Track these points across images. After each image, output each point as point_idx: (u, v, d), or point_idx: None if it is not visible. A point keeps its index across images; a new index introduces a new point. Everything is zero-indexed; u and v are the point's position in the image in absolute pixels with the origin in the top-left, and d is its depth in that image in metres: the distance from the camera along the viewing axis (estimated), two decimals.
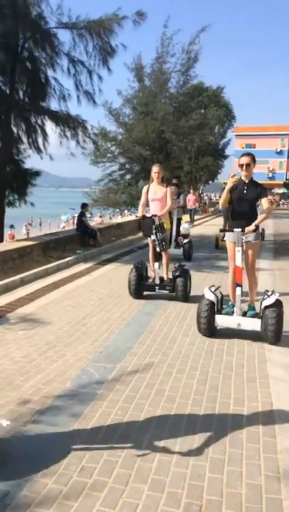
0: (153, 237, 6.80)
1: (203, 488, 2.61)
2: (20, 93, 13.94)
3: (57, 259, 9.98)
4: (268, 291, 5.21)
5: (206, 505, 2.47)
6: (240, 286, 5.12)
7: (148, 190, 7.17)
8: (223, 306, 5.51)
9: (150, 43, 20.54)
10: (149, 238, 7.04)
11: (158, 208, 6.99)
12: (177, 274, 6.84)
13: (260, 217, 5.30)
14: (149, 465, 2.81)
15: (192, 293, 6.96)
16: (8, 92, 13.22)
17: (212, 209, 34.08)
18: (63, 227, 37.39)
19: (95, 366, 4.33)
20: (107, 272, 9.45)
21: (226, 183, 11.89)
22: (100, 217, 36.47)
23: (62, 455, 2.90)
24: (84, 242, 12.42)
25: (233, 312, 5.22)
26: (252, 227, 5.06)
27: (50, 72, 13.78)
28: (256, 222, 5.15)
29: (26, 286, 7.69)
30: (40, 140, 14.36)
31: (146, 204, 7.22)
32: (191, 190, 23.79)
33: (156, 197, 7.10)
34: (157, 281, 7.03)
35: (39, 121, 14.31)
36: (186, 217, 21.34)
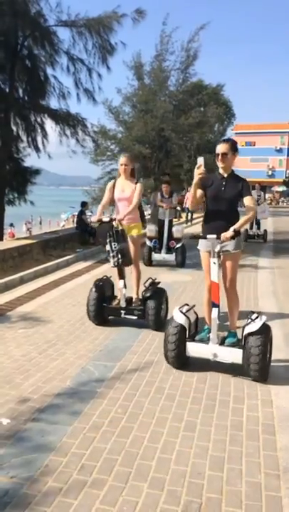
0: (107, 247, 5.30)
1: (203, 486, 2.61)
2: (20, 91, 13.96)
3: (57, 257, 9.98)
4: (252, 314, 4.21)
5: (205, 503, 2.47)
6: (217, 306, 4.10)
7: (114, 187, 5.73)
8: (203, 329, 4.62)
9: (149, 41, 20.50)
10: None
11: (127, 210, 5.52)
12: (148, 294, 5.38)
13: (240, 220, 4.20)
14: (148, 463, 2.81)
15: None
16: (7, 90, 13.22)
17: None
18: (63, 226, 37.35)
19: (95, 364, 4.33)
20: (107, 270, 9.43)
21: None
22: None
23: (62, 453, 2.90)
24: (84, 240, 12.43)
25: (208, 339, 4.22)
26: (230, 232, 3.95)
27: (49, 70, 13.82)
28: (235, 226, 4.02)
29: (26, 284, 7.69)
30: (39, 138, 14.40)
31: (113, 203, 5.89)
32: (190, 188, 23.47)
33: (123, 196, 5.65)
34: (123, 304, 5.48)
35: (39, 120, 14.34)
36: (183, 218, 21.35)
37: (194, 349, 4.21)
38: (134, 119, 23.30)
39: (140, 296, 5.58)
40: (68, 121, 14.22)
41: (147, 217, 9.45)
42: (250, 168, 55.85)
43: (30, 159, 14.73)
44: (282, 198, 58.12)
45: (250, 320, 4.09)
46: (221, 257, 4.31)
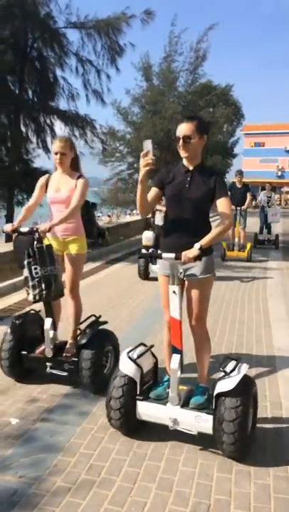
0: (25, 272, 3.66)
1: (211, 487, 2.60)
2: (30, 93, 14.01)
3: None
4: (228, 360, 3.04)
5: (214, 504, 2.46)
6: (179, 353, 2.99)
7: (46, 184, 4.10)
8: (162, 380, 3.31)
9: (158, 42, 20.52)
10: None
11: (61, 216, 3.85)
12: (83, 341, 3.76)
13: (211, 232, 2.99)
14: (157, 464, 2.81)
15: None
16: (17, 91, 13.29)
17: None
18: None
19: None
20: (116, 271, 9.46)
21: (234, 182, 11.39)
22: (109, 216, 36.54)
23: (71, 453, 2.91)
24: (92, 241, 12.45)
25: (167, 396, 3.03)
26: (193, 251, 2.79)
27: (58, 72, 13.85)
28: (202, 241, 2.86)
29: None
30: (49, 140, 14.41)
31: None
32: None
33: (58, 196, 4.00)
34: (49, 353, 3.81)
35: (48, 121, 14.37)
36: None
37: (147, 411, 3.04)
38: (142, 120, 23.34)
39: (80, 341, 3.81)
40: (77, 122, 14.26)
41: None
42: (259, 169, 55.64)
43: (39, 160, 14.77)
44: None
45: (223, 373, 2.92)
46: (186, 283, 3.15)
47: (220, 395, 2.84)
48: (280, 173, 63.17)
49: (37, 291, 3.62)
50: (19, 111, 13.22)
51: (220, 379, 2.91)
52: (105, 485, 2.60)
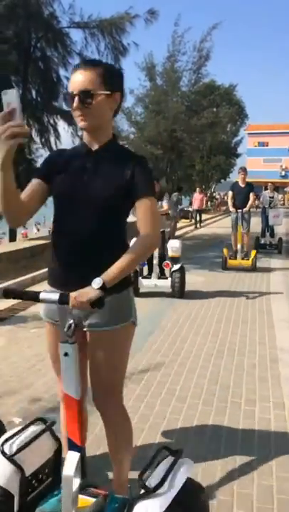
0: None
1: (214, 488, 2.60)
2: (33, 93, 14.05)
3: None
4: (162, 452, 1.87)
5: (217, 505, 2.46)
6: (79, 450, 1.81)
7: None
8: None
9: (161, 41, 20.53)
10: None
11: None
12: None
13: (125, 255, 1.79)
14: None
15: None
16: (20, 91, 13.32)
17: (224, 208, 33.89)
18: None
19: None
20: None
21: (237, 182, 10.18)
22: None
23: None
24: None
25: None
26: (88, 291, 1.67)
27: (62, 72, 13.88)
28: (105, 275, 1.71)
29: (38, 285, 7.72)
30: (52, 139, 14.46)
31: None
32: (197, 189, 21.67)
33: None
34: None
35: (51, 121, 14.42)
36: (189, 221, 21.07)
37: None
38: (146, 120, 23.34)
39: None
40: None
41: None
42: (263, 169, 55.53)
43: (39, 160, 14.81)
44: None
45: (147, 483, 1.68)
46: (88, 335, 1.99)
47: None
48: (283, 173, 63.03)
49: None
50: (23, 111, 13.23)
51: (140, 498, 1.68)
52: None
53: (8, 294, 1.84)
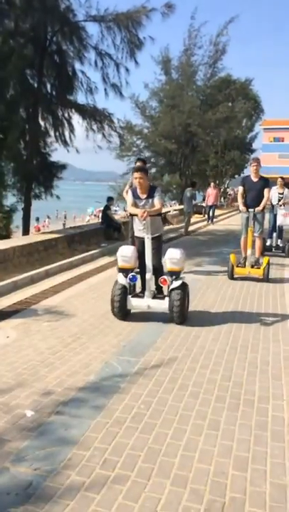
0: None
1: (226, 485, 2.57)
2: (48, 86, 14.07)
3: (81, 252, 10.04)
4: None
5: (229, 502, 2.44)
6: None
7: None
8: None
9: (177, 35, 20.38)
10: None
11: None
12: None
13: None
14: (172, 460, 2.79)
15: None
16: (36, 85, 13.35)
17: (237, 203, 33.50)
18: (88, 221, 37.62)
19: (119, 359, 4.33)
20: None
21: (248, 176, 8.28)
22: (125, 210, 36.54)
23: (85, 447, 2.91)
24: (109, 235, 12.45)
25: None
26: None
27: (77, 66, 13.87)
28: None
29: (51, 278, 7.76)
30: (66, 133, 14.48)
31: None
32: (212, 184, 20.61)
33: None
34: None
35: (66, 115, 14.44)
36: (202, 216, 20.80)
37: None
38: (160, 114, 23.22)
39: None
40: (95, 116, 14.26)
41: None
42: (278, 165, 54.89)
43: (56, 154, 14.84)
44: None
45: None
46: None
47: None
48: None
49: None
50: (38, 104, 13.28)
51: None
52: (120, 480, 2.59)
53: None
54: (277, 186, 11.09)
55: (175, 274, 5.51)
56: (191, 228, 15.94)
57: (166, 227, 16.14)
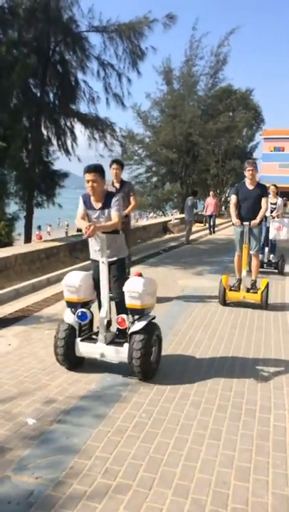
0: None
1: (228, 495, 2.57)
2: (51, 96, 14.21)
3: (83, 260, 10.04)
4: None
5: None
6: None
7: None
8: None
9: (179, 45, 20.58)
10: None
11: None
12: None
13: None
14: (173, 470, 2.79)
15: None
16: (39, 94, 13.47)
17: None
18: None
19: (120, 368, 4.32)
20: (132, 273, 9.44)
21: (243, 182, 6.83)
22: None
23: (87, 456, 2.90)
24: None
25: None
26: None
27: (80, 75, 14.03)
28: None
29: (53, 286, 7.76)
30: (69, 142, 14.60)
31: None
32: (211, 193, 19.89)
33: None
34: None
35: (68, 124, 14.57)
36: (202, 225, 20.74)
37: None
38: (162, 124, 23.37)
39: None
40: (97, 125, 14.39)
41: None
42: (278, 174, 55.08)
43: (58, 162, 14.94)
44: None
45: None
46: None
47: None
48: None
49: None
50: (40, 113, 13.39)
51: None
52: (121, 489, 2.59)
53: None
54: (270, 195, 9.01)
55: (137, 313, 4.05)
56: (192, 237, 15.97)
57: (168, 236, 16.19)
